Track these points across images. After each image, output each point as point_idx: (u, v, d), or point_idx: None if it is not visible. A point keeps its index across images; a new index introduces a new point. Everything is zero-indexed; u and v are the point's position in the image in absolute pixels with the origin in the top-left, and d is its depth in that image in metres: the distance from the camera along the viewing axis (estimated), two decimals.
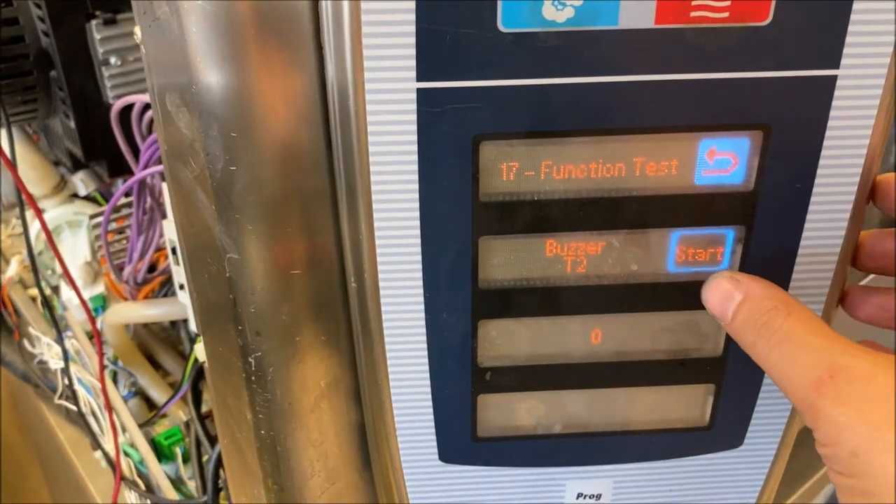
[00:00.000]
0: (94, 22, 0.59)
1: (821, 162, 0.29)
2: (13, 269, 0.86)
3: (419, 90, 0.28)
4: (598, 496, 0.37)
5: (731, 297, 0.29)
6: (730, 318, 0.29)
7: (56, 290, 0.77)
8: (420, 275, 0.31)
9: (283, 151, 0.30)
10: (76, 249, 0.73)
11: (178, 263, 0.47)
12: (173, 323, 0.75)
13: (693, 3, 0.27)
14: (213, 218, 0.31)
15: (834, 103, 0.28)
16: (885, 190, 0.31)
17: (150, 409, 0.71)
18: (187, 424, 0.65)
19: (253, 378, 0.34)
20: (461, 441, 0.35)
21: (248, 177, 0.30)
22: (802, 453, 0.36)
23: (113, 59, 0.61)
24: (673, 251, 0.31)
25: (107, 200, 0.76)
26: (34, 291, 0.85)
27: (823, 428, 0.25)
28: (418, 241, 0.31)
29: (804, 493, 0.69)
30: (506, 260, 0.31)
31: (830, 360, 0.25)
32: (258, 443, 0.36)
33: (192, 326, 0.50)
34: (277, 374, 0.33)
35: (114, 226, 0.66)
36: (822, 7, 0.27)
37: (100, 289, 0.72)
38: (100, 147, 0.64)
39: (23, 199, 0.51)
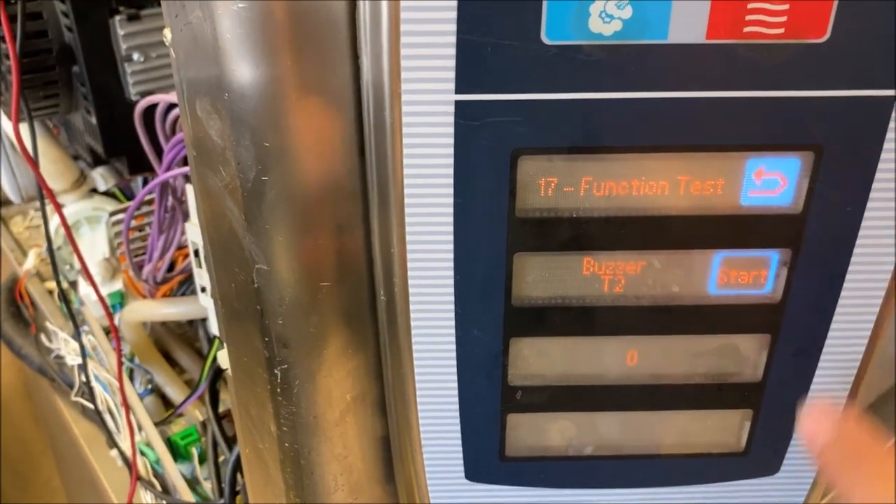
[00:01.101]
0: (117, 18, 0.58)
1: (874, 185, 0.28)
2: (31, 261, 0.86)
3: (458, 102, 0.27)
4: None
5: (823, 430, 0.28)
6: (819, 450, 0.28)
7: (74, 284, 0.77)
8: (452, 290, 0.30)
9: (316, 162, 0.29)
10: (94, 245, 0.73)
11: (199, 266, 0.46)
12: (191, 321, 0.74)
13: (747, 17, 0.26)
14: (243, 228, 0.30)
15: (890, 125, 0.27)
16: None
17: (166, 407, 0.71)
18: (204, 424, 0.64)
19: (278, 390, 0.33)
20: (489, 460, 0.34)
21: (281, 187, 0.29)
22: None
23: (136, 56, 0.60)
24: (715, 273, 0.30)
25: (126, 196, 0.76)
26: (51, 285, 0.85)
27: None
28: (451, 255, 0.30)
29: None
30: (541, 277, 0.31)
31: None
32: (281, 455, 0.35)
33: (212, 329, 0.49)
34: (303, 387, 0.33)
35: (133, 223, 0.66)
36: (881, 25, 0.26)
37: (118, 285, 0.71)
38: (120, 143, 0.63)
39: (43, 194, 0.51)
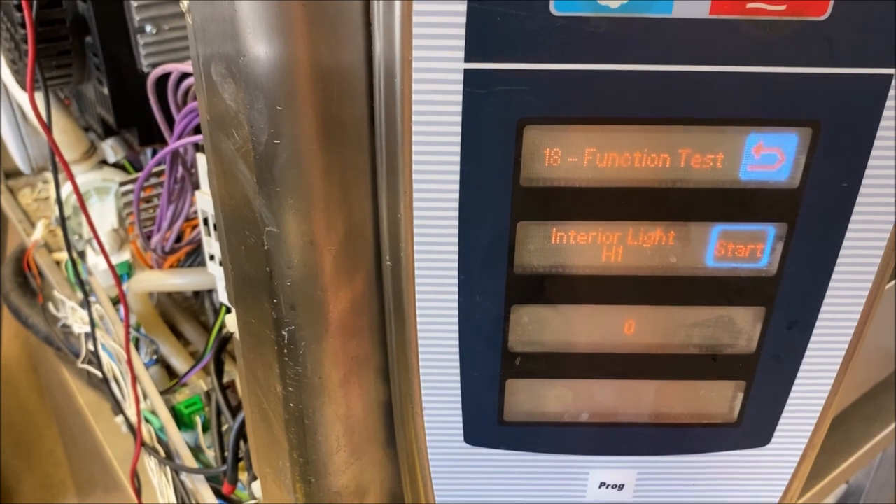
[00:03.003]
0: None
1: (870, 162, 0.29)
2: (38, 232, 0.87)
3: (466, 70, 0.28)
4: (621, 486, 0.37)
5: None
6: None
7: (82, 255, 0.78)
8: (456, 256, 0.31)
9: (327, 127, 0.30)
10: (103, 216, 0.74)
11: (209, 234, 0.47)
12: (196, 293, 0.75)
13: None
14: (254, 190, 0.31)
15: (888, 103, 0.28)
16: None
17: (171, 378, 0.72)
18: (208, 394, 0.65)
19: (285, 351, 0.34)
20: (487, 424, 0.35)
21: (292, 151, 0.30)
22: (822, 448, 0.36)
23: (148, 28, 0.60)
24: (713, 245, 0.31)
25: (135, 168, 0.76)
26: (58, 255, 0.86)
27: None
28: (456, 222, 0.31)
29: (817, 492, 0.69)
30: (543, 246, 0.31)
31: None
32: (286, 415, 0.36)
33: (220, 297, 0.50)
34: (309, 349, 0.34)
35: (142, 194, 0.66)
36: (881, 4, 0.26)
37: (125, 256, 0.72)
38: (132, 114, 0.63)
39: (56, 162, 0.52)
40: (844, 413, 0.84)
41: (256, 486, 0.45)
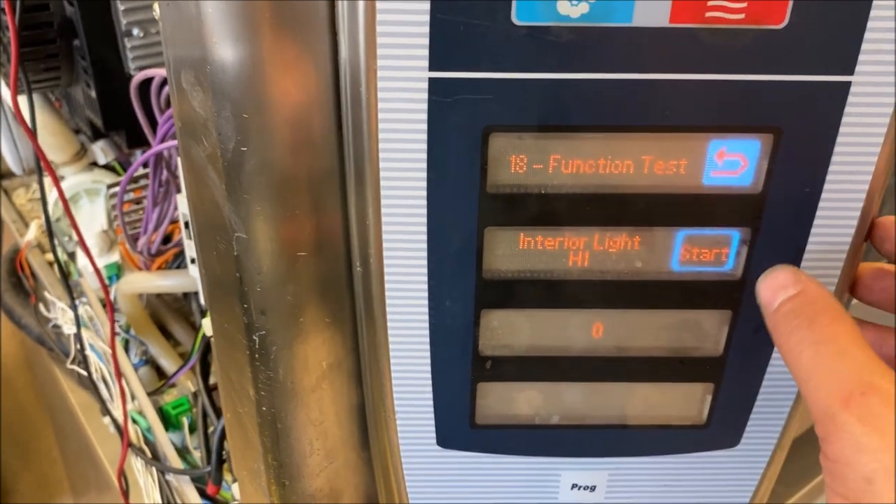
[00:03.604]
0: None
1: (830, 168, 0.29)
2: (32, 233, 0.87)
3: (431, 79, 0.28)
4: (593, 488, 0.37)
5: (785, 287, 0.28)
6: (776, 305, 0.28)
7: (73, 256, 0.78)
8: (425, 262, 0.32)
9: (295, 134, 0.30)
10: (93, 217, 0.74)
11: (189, 238, 0.47)
12: (186, 294, 0.76)
13: (709, 3, 0.26)
14: (223, 197, 0.31)
15: (847, 109, 0.28)
16: (884, 233, 0.31)
17: (160, 378, 0.72)
18: (195, 395, 0.66)
19: (256, 356, 0.34)
20: (459, 427, 0.36)
21: (259, 158, 0.30)
22: (806, 454, 0.37)
23: (135, 31, 0.61)
24: (678, 250, 0.31)
25: (125, 170, 0.77)
26: (51, 256, 0.86)
27: (839, 444, 0.24)
28: (425, 228, 0.31)
29: (805, 494, 0.69)
30: (510, 251, 0.32)
31: (867, 378, 0.24)
32: (259, 419, 0.36)
33: (202, 299, 0.51)
34: (280, 353, 0.34)
35: (131, 196, 0.67)
36: (838, 12, 0.27)
37: (115, 257, 0.73)
38: (119, 117, 0.64)
39: (41, 166, 0.52)
40: None
41: (236, 488, 0.45)
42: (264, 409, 0.36)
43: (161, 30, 0.32)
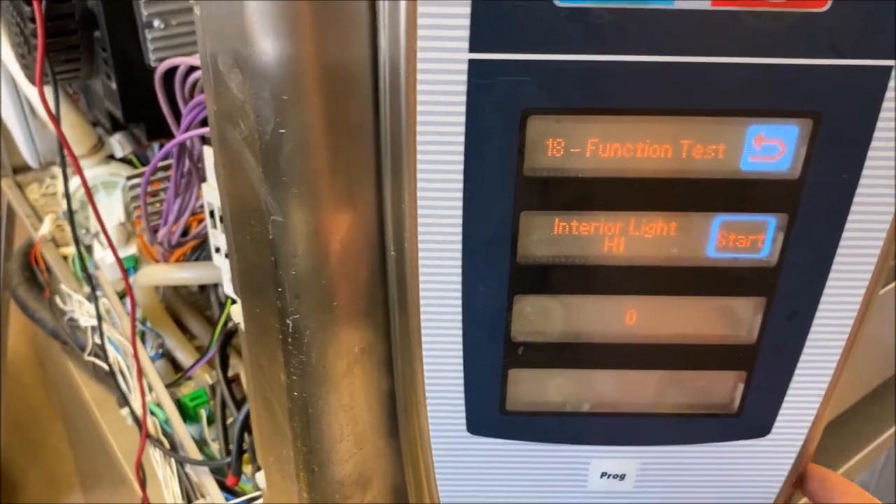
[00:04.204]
0: None
1: (869, 153, 0.29)
2: (46, 227, 0.87)
3: (471, 61, 0.28)
4: (623, 476, 0.37)
5: None
6: None
7: (88, 248, 0.79)
8: (459, 246, 0.32)
9: (332, 117, 0.30)
10: (110, 210, 0.74)
11: (214, 227, 0.47)
12: (202, 288, 0.76)
13: None
14: (260, 180, 0.31)
15: (888, 94, 0.28)
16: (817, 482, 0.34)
17: (176, 371, 0.72)
18: (212, 387, 0.66)
19: (289, 340, 0.34)
20: (489, 414, 0.36)
21: (297, 140, 0.30)
22: (827, 447, 0.37)
23: (156, 23, 0.61)
24: (714, 236, 0.31)
25: (142, 163, 0.77)
26: (65, 250, 0.86)
27: None
28: (460, 212, 0.31)
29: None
30: (545, 236, 0.32)
31: None
32: (290, 404, 0.36)
33: (226, 290, 0.51)
34: (313, 338, 0.34)
35: (149, 188, 0.67)
36: None
37: (132, 250, 0.73)
38: (139, 109, 0.64)
39: (64, 156, 0.52)
40: (849, 412, 0.84)
41: (261, 476, 0.45)
42: (295, 393, 0.36)
43: (198, 15, 0.32)
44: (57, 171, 0.93)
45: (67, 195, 0.54)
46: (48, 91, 0.52)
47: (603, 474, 0.37)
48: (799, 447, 0.36)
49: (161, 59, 0.60)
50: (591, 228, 0.31)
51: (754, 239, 0.31)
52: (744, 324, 0.33)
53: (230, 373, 0.64)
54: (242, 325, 0.38)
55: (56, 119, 0.49)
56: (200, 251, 0.67)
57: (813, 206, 0.30)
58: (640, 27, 0.27)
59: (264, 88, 0.29)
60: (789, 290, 0.32)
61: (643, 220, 0.31)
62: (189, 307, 0.76)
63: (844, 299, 0.32)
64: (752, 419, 0.35)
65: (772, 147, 0.30)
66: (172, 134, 0.58)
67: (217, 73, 0.31)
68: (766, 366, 0.34)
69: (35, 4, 0.49)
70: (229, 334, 0.64)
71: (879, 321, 0.32)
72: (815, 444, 0.36)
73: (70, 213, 0.55)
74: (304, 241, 0.32)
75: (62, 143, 0.49)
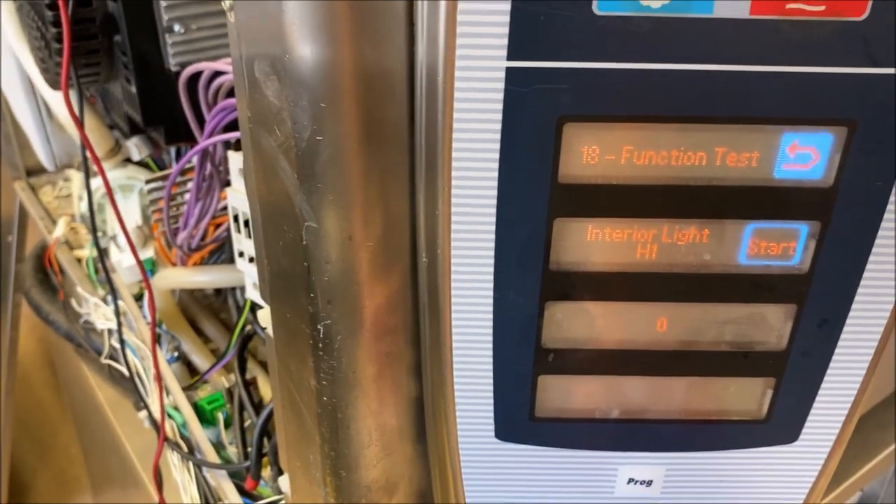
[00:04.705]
0: None
1: None
2: (60, 230, 0.88)
3: (508, 69, 0.28)
4: (650, 482, 0.37)
5: None
6: None
7: (105, 251, 0.79)
8: (492, 252, 0.32)
9: (369, 125, 0.30)
10: (127, 213, 0.74)
11: (238, 231, 0.47)
12: (218, 291, 0.76)
13: None
14: (295, 186, 0.31)
15: None
16: None
17: (191, 375, 0.73)
18: (229, 391, 0.66)
19: (320, 345, 0.34)
20: (518, 420, 0.36)
21: (334, 148, 0.30)
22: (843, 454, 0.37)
23: (177, 27, 0.61)
24: (746, 243, 0.31)
25: (159, 167, 0.77)
26: (79, 253, 0.86)
27: None
28: (493, 218, 0.31)
29: (840, 493, 0.69)
30: (579, 243, 0.32)
31: None
32: (319, 409, 0.36)
33: (248, 294, 0.51)
34: (344, 343, 0.34)
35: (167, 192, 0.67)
36: None
37: (149, 253, 0.73)
38: (159, 113, 0.64)
39: (87, 159, 0.52)
40: (863, 419, 0.84)
41: (284, 481, 0.45)
42: (325, 398, 0.36)
43: (232, 21, 0.32)
44: (71, 173, 0.93)
45: (90, 197, 0.54)
46: (72, 95, 0.52)
47: (630, 480, 0.37)
48: (826, 454, 0.36)
49: (181, 64, 0.61)
50: (623, 235, 0.32)
51: (786, 246, 0.31)
52: (774, 331, 0.33)
53: (248, 375, 0.64)
54: (270, 330, 0.39)
55: (80, 122, 0.49)
56: (219, 255, 0.67)
57: (845, 214, 0.31)
58: (679, 35, 0.27)
59: (302, 96, 0.29)
60: (820, 298, 0.32)
61: (676, 227, 0.31)
62: (204, 310, 0.76)
63: (874, 307, 0.32)
64: (781, 425, 0.35)
65: (805, 155, 0.30)
66: (191, 138, 0.58)
67: (252, 79, 0.31)
68: (795, 372, 0.34)
69: (61, 9, 0.49)
70: (246, 338, 0.64)
71: None
72: (843, 449, 0.37)
73: (92, 215, 0.56)
74: (338, 247, 0.32)
75: (86, 146, 0.50)
